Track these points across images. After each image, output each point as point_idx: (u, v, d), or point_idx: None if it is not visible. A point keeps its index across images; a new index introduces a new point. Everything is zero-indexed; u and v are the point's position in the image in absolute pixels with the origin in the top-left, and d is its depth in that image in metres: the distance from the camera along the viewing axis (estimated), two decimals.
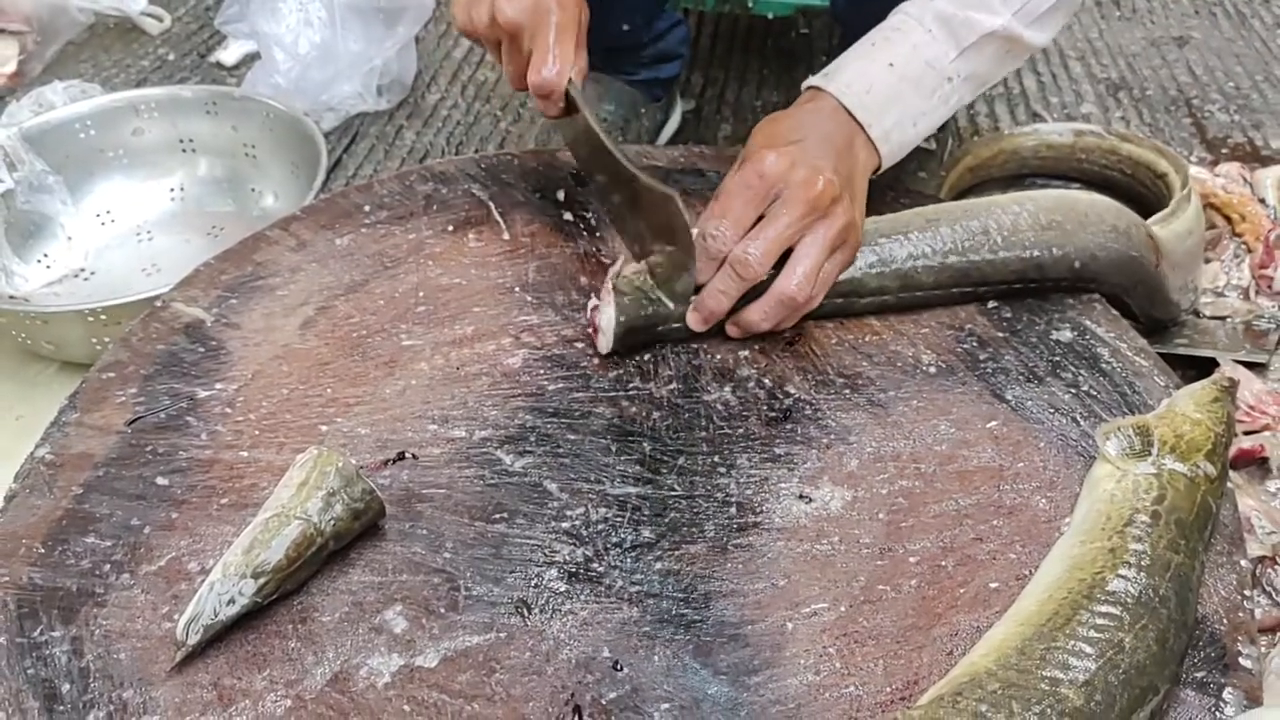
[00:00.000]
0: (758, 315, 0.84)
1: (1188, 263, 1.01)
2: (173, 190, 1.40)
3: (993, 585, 0.70)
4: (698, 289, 0.85)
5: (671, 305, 0.85)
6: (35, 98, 1.46)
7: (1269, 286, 1.15)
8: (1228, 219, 1.22)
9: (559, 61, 0.85)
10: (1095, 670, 0.59)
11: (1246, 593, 0.70)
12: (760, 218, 0.83)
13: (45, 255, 1.32)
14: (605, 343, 0.84)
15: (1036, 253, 0.88)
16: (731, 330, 0.86)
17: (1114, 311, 0.90)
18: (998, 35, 0.89)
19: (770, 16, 1.55)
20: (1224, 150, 1.47)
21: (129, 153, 1.38)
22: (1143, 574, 0.64)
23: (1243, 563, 0.71)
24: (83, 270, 1.33)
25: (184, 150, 1.40)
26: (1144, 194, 1.10)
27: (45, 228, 1.33)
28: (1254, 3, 1.86)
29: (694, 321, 0.85)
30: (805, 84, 0.91)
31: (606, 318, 0.84)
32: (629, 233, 0.90)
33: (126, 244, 1.36)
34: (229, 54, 1.76)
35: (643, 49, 1.39)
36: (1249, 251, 1.19)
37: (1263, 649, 0.83)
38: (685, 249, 0.83)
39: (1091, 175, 1.12)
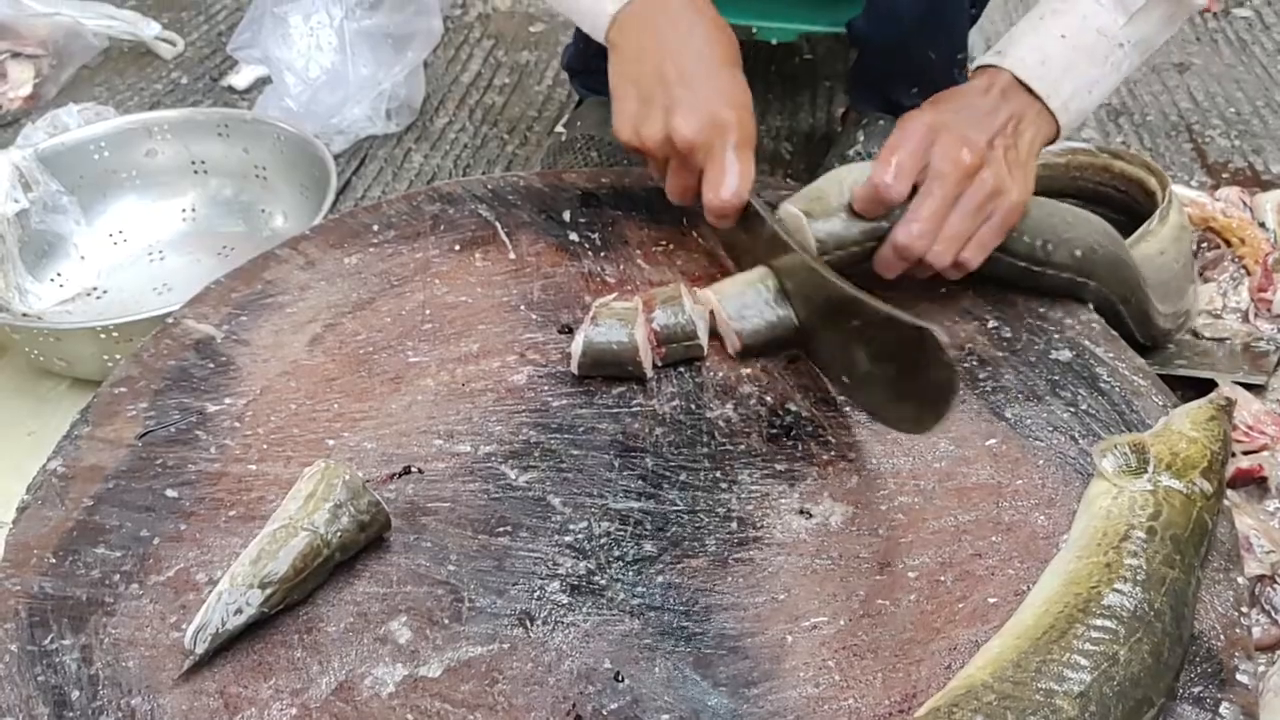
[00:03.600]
0: (919, 274, 0.87)
1: (1167, 282, 1.02)
2: (184, 211, 1.42)
3: (991, 600, 0.70)
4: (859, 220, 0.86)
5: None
6: (50, 120, 1.48)
7: (1268, 309, 1.16)
8: (1227, 242, 1.23)
9: (740, 180, 0.85)
10: (1090, 682, 0.59)
11: (1244, 609, 0.70)
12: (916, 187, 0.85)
13: (58, 274, 1.34)
14: (573, 365, 0.86)
15: (1040, 240, 0.90)
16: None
17: (1112, 331, 0.90)
18: None
19: (774, 43, 1.57)
20: (1224, 175, 1.48)
21: (142, 174, 1.40)
22: (1138, 589, 0.65)
23: (1240, 580, 0.72)
24: (95, 289, 1.34)
25: (196, 171, 1.42)
26: (1139, 210, 1.11)
27: (59, 247, 1.35)
28: (1255, 29, 1.88)
29: (880, 269, 0.87)
30: (976, 64, 0.93)
31: (577, 342, 0.85)
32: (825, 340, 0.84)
33: (138, 263, 1.38)
34: (241, 78, 1.78)
35: None
36: (1248, 274, 1.20)
37: (1261, 667, 0.84)
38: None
39: (1087, 193, 1.14)
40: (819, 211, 0.87)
